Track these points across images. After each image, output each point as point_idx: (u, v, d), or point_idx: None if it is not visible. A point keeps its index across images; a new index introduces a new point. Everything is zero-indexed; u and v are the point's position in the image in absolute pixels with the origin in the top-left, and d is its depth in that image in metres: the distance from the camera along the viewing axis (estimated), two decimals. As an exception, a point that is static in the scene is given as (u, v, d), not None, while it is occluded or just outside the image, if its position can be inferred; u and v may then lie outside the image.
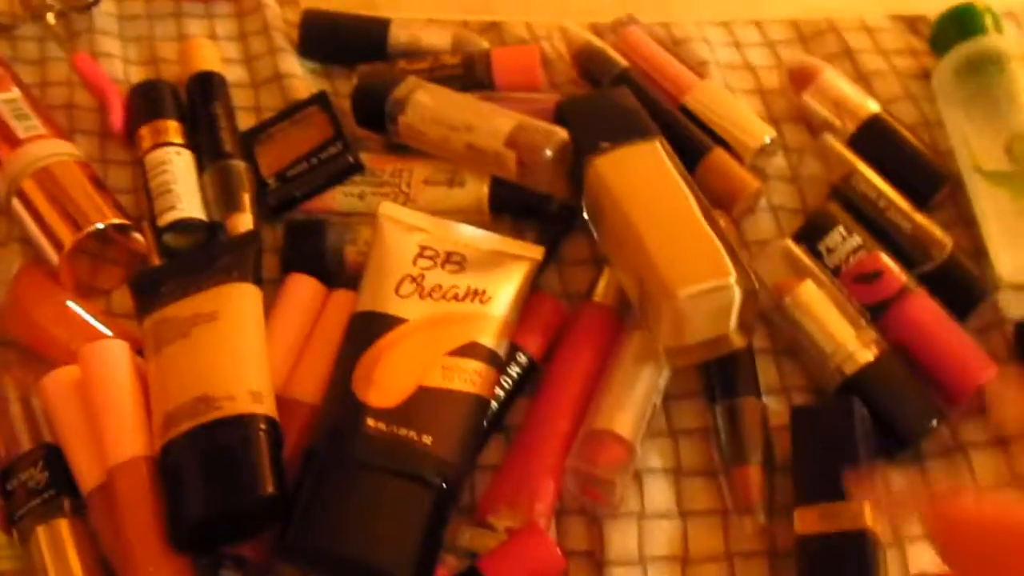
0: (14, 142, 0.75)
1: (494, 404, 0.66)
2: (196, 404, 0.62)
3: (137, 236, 0.74)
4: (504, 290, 0.67)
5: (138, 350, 0.68)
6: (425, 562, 0.60)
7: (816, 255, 0.71)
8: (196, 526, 0.60)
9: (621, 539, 0.64)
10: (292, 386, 0.67)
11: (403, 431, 0.61)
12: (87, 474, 0.64)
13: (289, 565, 0.62)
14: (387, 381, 0.63)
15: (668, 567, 0.64)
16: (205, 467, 0.60)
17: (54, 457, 0.66)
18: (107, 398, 0.65)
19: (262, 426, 0.62)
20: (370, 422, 0.61)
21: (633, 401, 0.66)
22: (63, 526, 0.64)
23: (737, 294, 0.63)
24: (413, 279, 0.66)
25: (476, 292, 0.66)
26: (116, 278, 0.75)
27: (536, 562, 0.60)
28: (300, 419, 0.65)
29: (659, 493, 0.66)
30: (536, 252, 0.70)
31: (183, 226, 0.74)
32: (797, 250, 0.71)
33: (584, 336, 0.69)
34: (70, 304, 0.72)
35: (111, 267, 0.76)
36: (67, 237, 0.71)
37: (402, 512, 0.60)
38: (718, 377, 0.68)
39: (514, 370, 0.68)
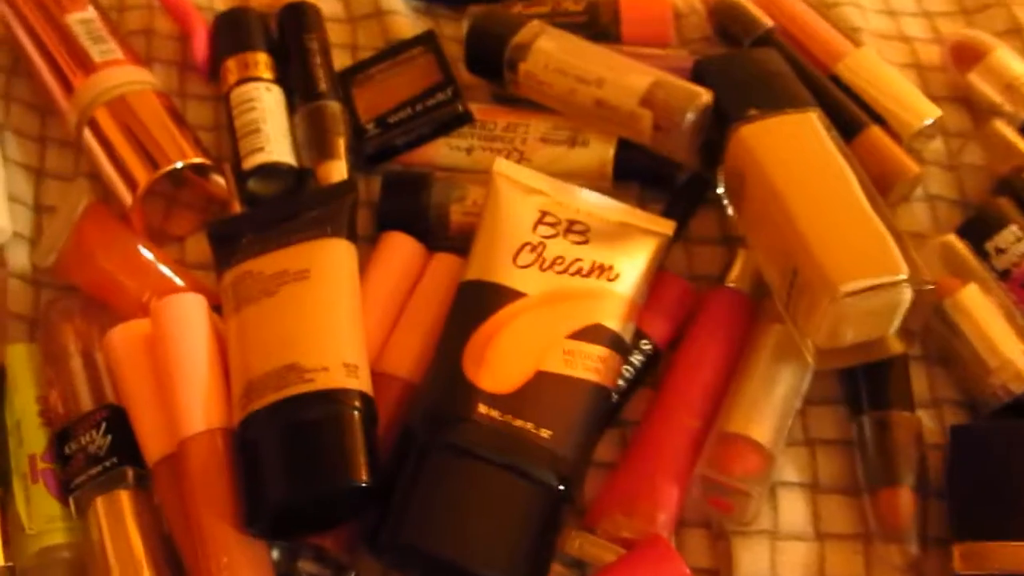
0: (89, 67, 0.67)
1: (613, 396, 0.59)
2: (283, 374, 0.55)
3: (218, 179, 0.67)
4: (632, 267, 0.59)
5: (215, 306, 0.61)
6: (536, 571, 0.53)
7: (982, 255, 0.63)
8: (278, 511, 0.53)
9: (751, 559, 0.56)
10: (385, 359, 0.60)
11: (519, 422, 0.54)
12: (154, 443, 0.58)
13: (382, 563, 0.55)
14: (502, 363, 0.55)
15: (803, 594, 0.56)
16: (291, 446, 0.53)
17: (118, 421, 0.59)
18: (181, 359, 0.57)
19: (357, 403, 0.54)
20: (482, 408, 0.54)
21: (772, 404, 0.58)
22: (124, 498, 0.57)
23: (908, 294, 0.55)
24: (533, 248, 0.59)
25: (602, 268, 0.58)
26: (191, 224, 0.68)
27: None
28: (392, 396, 0.58)
29: (794, 510, 0.58)
30: (667, 226, 0.62)
31: (270, 171, 0.66)
32: (961, 247, 0.63)
33: (716, 324, 0.61)
34: (141, 250, 0.64)
35: (186, 212, 0.68)
36: (142, 175, 0.64)
37: (513, 514, 0.53)
38: (867, 384, 0.60)
39: (636, 358, 0.60)
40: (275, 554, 0.56)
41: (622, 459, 0.59)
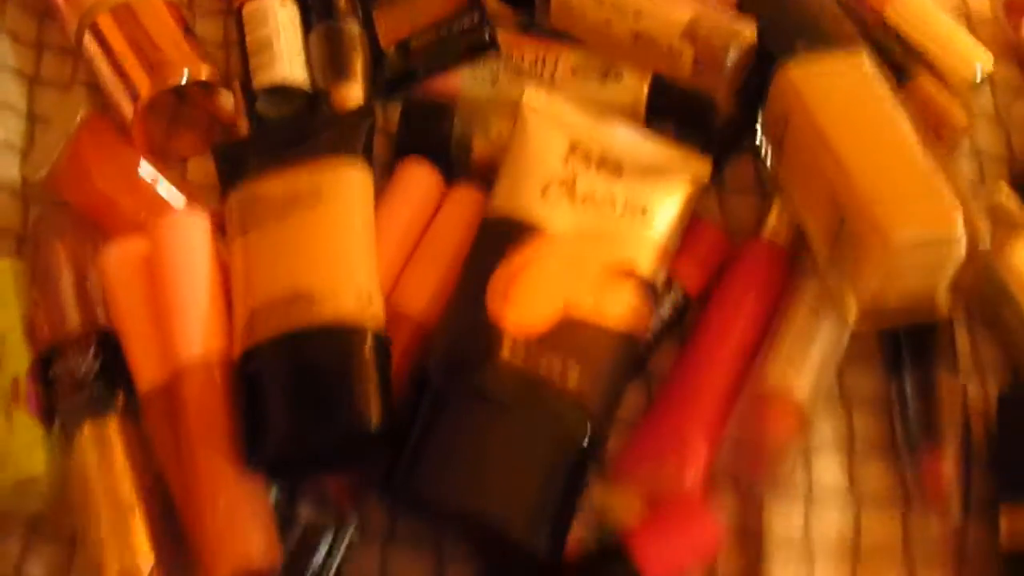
0: (91, -34, 0.63)
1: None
2: (290, 302, 0.51)
3: (225, 98, 0.63)
4: (665, 209, 0.55)
5: (217, 227, 0.56)
6: (558, 529, 0.49)
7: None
8: (280, 453, 0.49)
9: (784, 519, 0.53)
10: (397, 297, 0.56)
11: (544, 368, 0.50)
12: (147, 370, 0.54)
13: (392, 509, 0.52)
14: (528, 304, 0.51)
15: (836, 559, 0.53)
16: (297, 384, 0.50)
17: (109, 345, 0.55)
18: (180, 282, 0.53)
19: (369, 340, 0.50)
20: (505, 352, 0.50)
21: (810, 362, 0.54)
22: (113, 426, 0.53)
23: (962, 252, 0.51)
24: (562, 183, 0.55)
25: (635, 207, 0.54)
26: (194, 144, 0.64)
27: (694, 541, 0.49)
28: (405, 337, 0.54)
29: (828, 471, 0.55)
30: (703, 167, 0.58)
31: (282, 92, 0.62)
32: (1011, 202, 0.59)
33: (750, 277, 0.58)
34: (140, 167, 0.60)
35: (189, 131, 0.64)
36: (145, 87, 0.59)
37: (535, 467, 0.49)
38: (910, 343, 0.56)
39: (666, 306, 0.56)
40: (273, 494, 0.52)
41: (649, 412, 0.55)
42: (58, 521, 0.54)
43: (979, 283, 0.58)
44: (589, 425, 0.50)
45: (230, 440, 0.50)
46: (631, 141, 0.57)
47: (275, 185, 0.55)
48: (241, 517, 0.49)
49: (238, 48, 0.64)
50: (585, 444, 0.50)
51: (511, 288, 0.51)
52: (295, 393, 0.49)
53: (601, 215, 0.54)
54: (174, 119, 0.64)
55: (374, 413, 0.49)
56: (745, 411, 0.53)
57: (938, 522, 0.53)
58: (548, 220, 0.53)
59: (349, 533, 0.52)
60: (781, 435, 0.53)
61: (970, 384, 0.57)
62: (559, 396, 0.49)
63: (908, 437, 0.55)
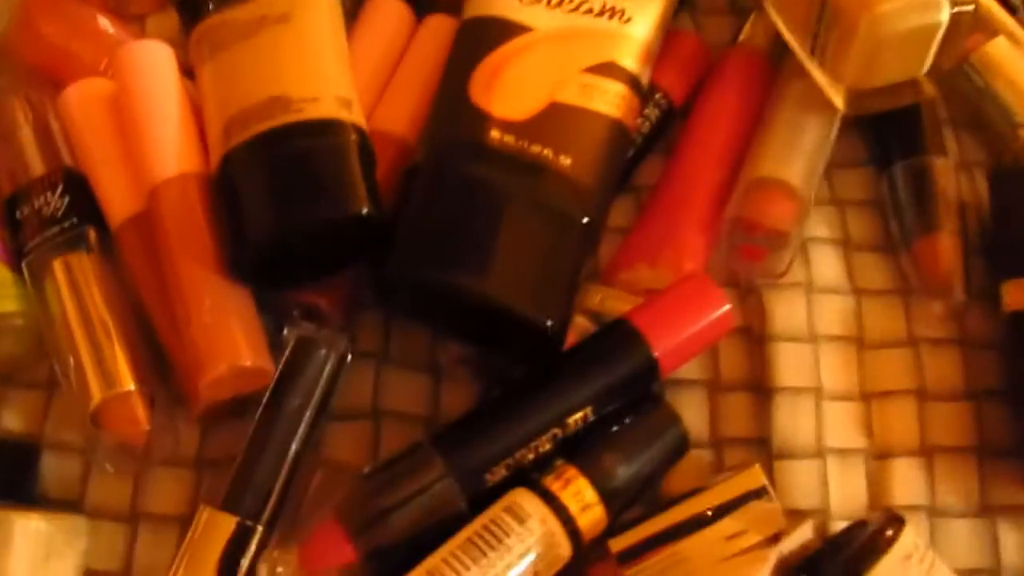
0: None
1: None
2: (269, 105, 0.49)
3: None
4: (644, 13, 0.54)
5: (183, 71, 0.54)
6: (562, 304, 0.47)
7: (1010, 9, 0.59)
8: (266, 244, 0.47)
9: (787, 312, 0.52)
10: (378, 117, 0.54)
11: (536, 147, 0.48)
12: (118, 203, 0.52)
13: (389, 305, 0.50)
14: (514, 91, 0.50)
15: (842, 348, 0.52)
16: (280, 178, 0.47)
17: (76, 181, 0.53)
18: (149, 105, 0.51)
19: (353, 135, 0.49)
20: (494, 133, 0.48)
21: (802, 148, 0.53)
22: (85, 260, 0.50)
23: (946, 15, 0.51)
24: (538, -12, 0.53)
25: (613, 10, 0.53)
26: (152, 2, 0.61)
27: (700, 315, 0.47)
28: (389, 154, 0.52)
29: (828, 265, 0.54)
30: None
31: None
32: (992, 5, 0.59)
33: (733, 81, 0.57)
34: (97, 18, 0.58)
35: (146, -10, 0.62)
36: (99, -69, 0.57)
37: (534, 245, 0.47)
38: (898, 132, 0.56)
39: (650, 111, 0.55)
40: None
41: (640, 217, 0.54)
42: (32, 367, 0.52)
43: (960, 83, 0.58)
44: (585, 203, 0.48)
45: (213, 250, 0.48)
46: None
47: (241, 12, 0.53)
48: (229, 318, 0.47)
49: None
50: (584, 222, 0.48)
51: (495, 78, 0.50)
52: (277, 186, 0.47)
53: (580, 15, 0.53)
54: (129, -20, 0.62)
55: (361, 197, 0.47)
56: (741, 198, 0.52)
57: (941, 304, 0.52)
58: (527, 18, 0.52)
59: (342, 348, 0.50)
60: (780, 219, 0.51)
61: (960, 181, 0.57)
62: (553, 175, 0.48)
63: (903, 227, 0.54)
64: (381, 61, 0.56)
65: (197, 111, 0.52)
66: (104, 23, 0.58)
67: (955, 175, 0.55)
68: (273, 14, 0.52)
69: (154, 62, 0.52)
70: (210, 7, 0.54)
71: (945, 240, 0.52)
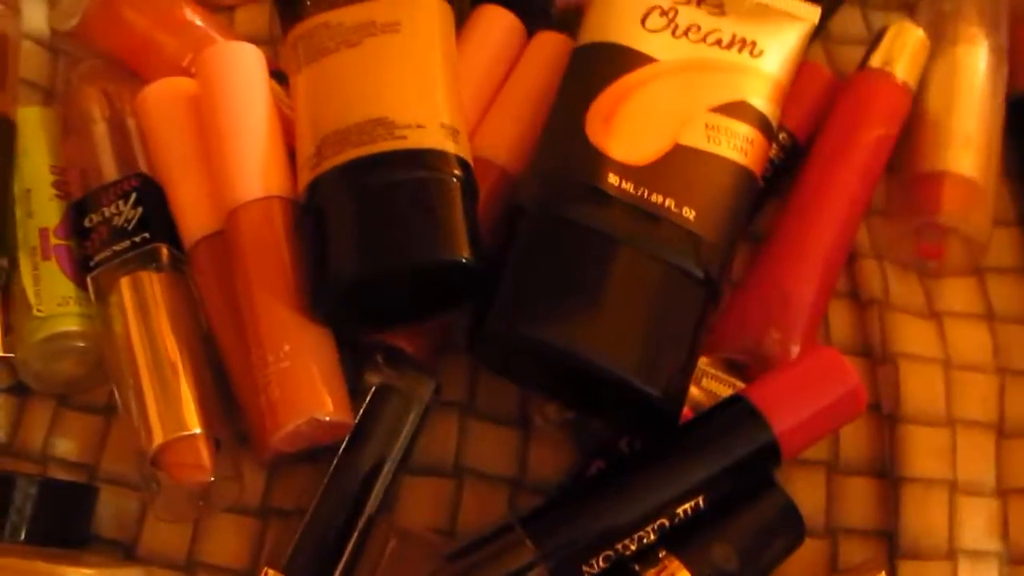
0: None
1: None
2: (369, 127, 0.44)
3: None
4: (776, 46, 0.48)
5: (274, 72, 0.50)
6: (679, 379, 0.42)
7: None
8: (351, 285, 0.42)
9: (923, 390, 0.47)
10: (480, 141, 0.49)
11: (657, 197, 0.43)
12: (195, 219, 0.47)
13: (483, 362, 0.45)
14: (635, 130, 0.45)
15: (980, 435, 0.47)
16: (374, 211, 0.43)
17: (152, 192, 0.48)
18: (234, 115, 0.47)
19: (457, 171, 0.44)
20: (612, 178, 0.43)
21: (969, 138, 0.50)
22: (155, 281, 0.46)
23: None
24: (663, 12, 0.48)
25: (744, 41, 0.48)
26: (242, -8, 0.57)
27: (828, 395, 0.42)
28: (487, 184, 0.47)
29: (967, 339, 0.49)
30: (811, 12, 0.51)
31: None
32: None
33: (861, 110, 0.52)
34: (182, 6, 0.54)
35: (237, -19, 0.58)
36: (190, -85, 0.53)
37: (653, 306, 0.42)
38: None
39: (774, 152, 0.50)
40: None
41: (749, 274, 0.49)
42: (92, 389, 0.48)
43: None
44: (710, 262, 0.43)
45: (296, 285, 0.44)
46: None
47: (347, 15, 0.48)
48: (309, 363, 0.42)
49: None
50: (708, 282, 0.43)
51: (614, 114, 0.45)
52: (368, 220, 0.42)
53: (708, 47, 0.47)
54: (220, -31, 0.58)
55: (461, 242, 0.42)
56: (910, 198, 0.50)
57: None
58: (649, 48, 0.47)
59: (427, 398, 0.45)
60: (957, 209, 0.49)
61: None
62: (675, 229, 0.43)
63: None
64: (485, 78, 0.51)
65: (288, 123, 0.48)
66: (190, 13, 0.54)
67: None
68: (381, 21, 0.47)
69: (242, 67, 0.48)
70: (310, 5, 0.49)
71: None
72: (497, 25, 0.53)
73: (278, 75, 0.50)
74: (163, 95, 0.49)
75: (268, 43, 0.54)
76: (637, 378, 0.40)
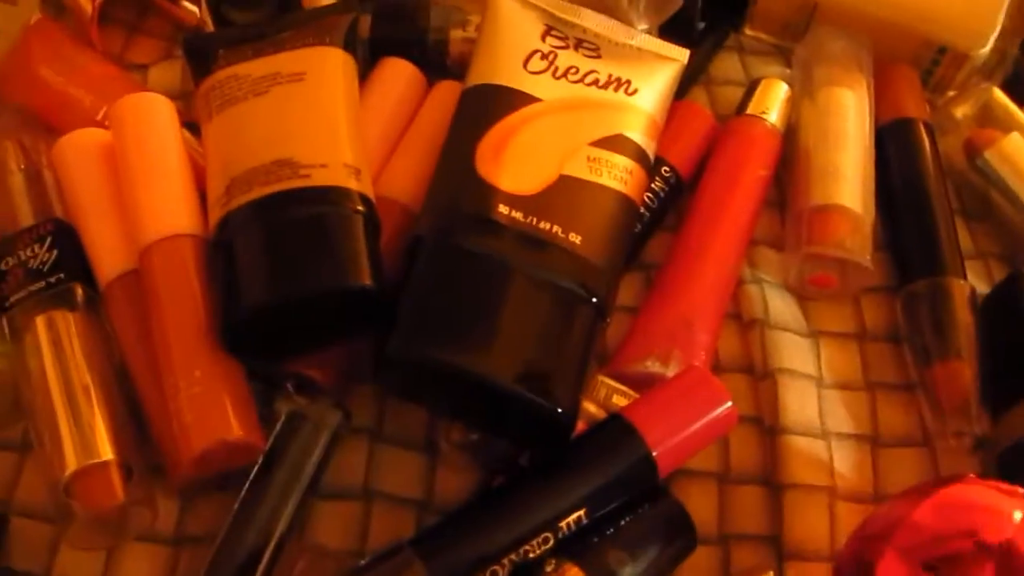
0: None
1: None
2: (275, 167, 0.47)
3: (187, 4, 0.59)
4: (650, 85, 0.52)
5: (185, 124, 0.53)
6: (573, 394, 0.45)
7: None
8: (258, 314, 0.44)
9: (799, 404, 0.50)
10: (383, 183, 0.52)
11: (545, 224, 0.46)
12: (109, 260, 0.49)
13: (385, 387, 0.47)
14: (521, 164, 0.48)
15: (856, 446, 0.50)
16: (279, 245, 0.45)
17: (67, 235, 0.50)
18: (147, 162, 0.50)
19: (359, 206, 0.47)
20: (502, 208, 0.46)
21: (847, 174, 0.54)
22: (70, 319, 0.48)
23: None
24: (544, 56, 0.52)
25: (620, 81, 0.52)
26: (155, 52, 0.60)
27: (701, 411, 0.45)
28: (392, 222, 0.50)
29: (840, 360, 0.52)
30: (680, 54, 0.55)
31: (249, -6, 0.59)
32: (1003, 97, 0.59)
33: (739, 152, 0.56)
34: (98, 62, 0.56)
35: (150, 40, 0.60)
36: (105, -22, 0.56)
37: (545, 327, 0.45)
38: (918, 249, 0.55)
39: (659, 185, 0.54)
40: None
41: (650, 297, 0.52)
42: (7, 426, 0.49)
43: (973, 177, 0.57)
44: (596, 285, 0.46)
45: (205, 317, 0.46)
46: (607, 26, 0.54)
47: (254, 67, 0.51)
48: (219, 390, 0.44)
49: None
50: (595, 303, 0.46)
51: (502, 150, 0.48)
52: (274, 252, 0.45)
53: (586, 86, 0.51)
54: (134, 30, 0.61)
55: (363, 270, 0.45)
56: (801, 230, 0.53)
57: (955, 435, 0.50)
58: (532, 88, 0.50)
59: (335, 424, 0.47)
60: (844, 240, 0.53)
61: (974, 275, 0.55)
62: (562, 253, 0.46)
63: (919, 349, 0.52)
64: (389, 125, 0.55)
65: (199, 170, 0.50)
66: (105, 69, 0.56)
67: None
68: (287, 72, 0.51)
69: (153, 115, 0.51)
70: (220, 60, 0.52)
71: (963, 368, 0.51)
72: (399, 75, 0.56)
73: (191, 126, 0.53)
74: (78, 144, 0.51)
75: (181, 98, 0.56)
76: (532, 393, 0.43)
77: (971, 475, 0.46)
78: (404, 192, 0.52)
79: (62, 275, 0.49)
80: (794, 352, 0.51)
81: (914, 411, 0.51)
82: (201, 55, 0.53)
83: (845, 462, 0.49)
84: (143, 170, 0.49)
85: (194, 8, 0.59)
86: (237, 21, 0.59)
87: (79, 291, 0.49)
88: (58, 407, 0.46)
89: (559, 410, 0.43)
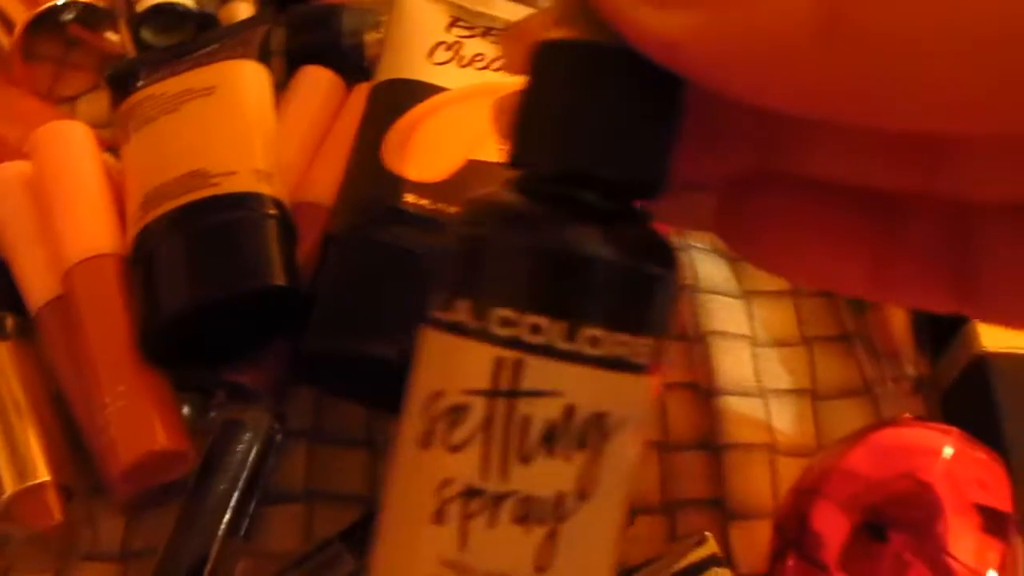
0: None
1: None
2: (186, 180, 0.47)
3: (110, 35, 0.60)
4: (562, 67, 0.53)
5: (107, 148, 0.53)
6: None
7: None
8: (173, 321, 0.45)
9: (732, 365, 0.50)
10: (306, 188, 0.52)
11: (453, 208, 0.47)
12: (38, 286, 0.50)
13: (308, 382, 0.48)
14: (427, 153, 0.48)
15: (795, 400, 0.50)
16: (192, 253, 0.46)
17: (-5, 270, 0.51)
18: (66, 187, 0.50)
19: (271, 210, 0.47)
20: (409, 197, 0.47)
21: None
22: (4, 349, 0.49)
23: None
24: (448, 46, 0.52)
25: (526, 64, 0.52)
26: (82, 84, 0.61)
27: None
28: (317, 225, 0.51)
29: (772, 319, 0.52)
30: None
31: (166, 13, 0.60)
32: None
33: None
34: (21, 98, 0.57)
35: (76, 72, 0.61)
36: (20, 13, 0.57)
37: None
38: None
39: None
40: (185, 411, 0.48)
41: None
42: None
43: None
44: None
45: (128, 332, 0.46)
46: (517, 12, 0.55)
47: (168, 86, 0.52)
48: (143, 401, 0.45)
49: (121, -14, 0.62)
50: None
51: (408, 140, 0.48)
52: (188, 260, 0.45)
53: (494, 72, 0.51)
54: (61, 64, 0.62)
55: (276, 269, 0.45)
56: None
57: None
58: (438, 79, 0.51)
59: (269, 428, 0.48)
60: None
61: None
62: (475, 235, 0.46)
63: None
64: (310, 131, 0.55)
65: (120, 191, 0.51)
66: (31, 104, 0.57)
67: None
68: (198, 87, 0.51)
69: (69, 142, 0.51)
70: (139, 82, 0.53)
71: (895, 313, 0.50)
72: (318, 83, 0.57)
73: (115, 151, 0.54)
74: (1, 178, 0.52)
75: (108, 126, 0.57)
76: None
77: (907, 416, 0.46)
78: (327, 196, 0.52)
79: (-9, 308, 0.50)
80: (726, 314, 0.51)
81: (853, 362, 0.51)
82: (123, 81, 0.54)
83: (784, 418, 0.49)
84: (62, 194, 0.50)
85: (116, 37, 0.60)
86: (155, 43, 0.60)
87: (10, 321, 0.49)
88: (-7, 434, 0.47)
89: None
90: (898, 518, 0.43)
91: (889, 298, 0.26)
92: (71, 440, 0.48)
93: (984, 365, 0.48)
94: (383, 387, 0.46)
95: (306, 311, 0.46)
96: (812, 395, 0.50)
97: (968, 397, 0.48)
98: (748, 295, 0.53)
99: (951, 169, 0.23)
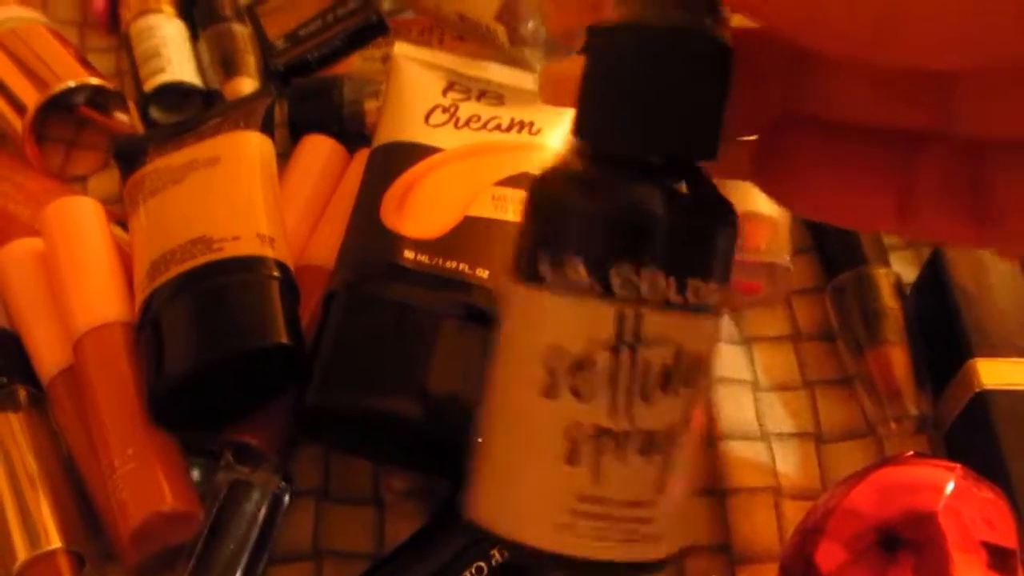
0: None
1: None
2: (190, 247, 0.49)
3: (120, 116, 0.62)
4: (555, 125, 0.54)
5: (117, 221, 0.55)
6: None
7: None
8: (179, 382, 0.46)
9: (735, 411, 0.50)
10: (309, 252, 0.54)
11: (451, 263, 0.48)
12: (49, 358, 0.51)
13: (311, 437, 0.48)
14: (425, 211, 0.49)
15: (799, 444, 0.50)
16: (197, 316, 0.47)
17: (7, 342, 0.52)
18: (75, 260, 0.52)
19: (274, 272, 0.48)
20: (408, 254, 0.48)
21: None
22: (16, 421, 0.50)
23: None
24: (445, 109, 0.54)
25: (523, 123, 0.53)
26: (94, 163, 0.63)
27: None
28: (320, 287, 0.52)
29: (774, 364, 0.52)
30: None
31: (173, 92, 0.62)
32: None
33: None
34: (34, 178, 0.59)
35: (87, 152, 0.63)
36: (31, 97, 0.59)
37: (461, 361, 0.45)
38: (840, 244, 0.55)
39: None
40: (195, 475, 0.49)
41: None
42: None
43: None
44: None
45: (136, 396, 0.47)
46: (510, 75, 0.56)
47: (173, 158, 0.54)
48: (151, 464, 0.45)
49: (129, 66, 0.64)
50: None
51: (406, 198, 0.50)
52: (193, 322, 0.47)
53: (488, 132, 0.53)
54: (72, 144, 0.63)
55: (278, 329, 0.46)
56: None
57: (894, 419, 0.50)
58: (435, 140, 0.52)
59: (277, 489, 0.48)
60: (765, 246, 0.52)
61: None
62: (472, 287, 0.47)
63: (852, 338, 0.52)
64: (313, 196, 0.56)
65: (129, 262, 0.52)
66: (43, 184, 0.59)
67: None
68: (203, 158, 0.53)
69: (78, 216, 0.53)
70: (147, 157, 0.55)
71: (894, 353, 0.51)
72: (320, 150, 0.58)
73: (124, 225, 0.55)
74: (14, 255, 0.54)
75: (118, 202, 0.59)
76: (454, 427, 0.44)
77: (911, 453, 0.46)
78: (330, 259, 0.53)
79: (4, 380, 0.51)
80: (727, 361, 0.52)
81: (855, 404, 0.51)
82: (131, 156, 0.56)
83: (788, 461, 0.49)
84: (71, 266, 0.51)
85: (125, 117, 0.62)
86: (163, 120, 0.62)
87: (22, 393, 0.51)
88: (5, 502, 0.47)
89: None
90: (903, 552, 0.43)
91: (917, 231, 0.27)
92: (83, 508, 0.48)
93: (984, 402, 0.48)
94: (384, 440, 0.47)
95: (309, 369, 0.46)
96: (816, 438, 0.50)
97: (970, 435, 0.48)
98: (749, 341, 0.53)
99: (961, 106, 0.25)
